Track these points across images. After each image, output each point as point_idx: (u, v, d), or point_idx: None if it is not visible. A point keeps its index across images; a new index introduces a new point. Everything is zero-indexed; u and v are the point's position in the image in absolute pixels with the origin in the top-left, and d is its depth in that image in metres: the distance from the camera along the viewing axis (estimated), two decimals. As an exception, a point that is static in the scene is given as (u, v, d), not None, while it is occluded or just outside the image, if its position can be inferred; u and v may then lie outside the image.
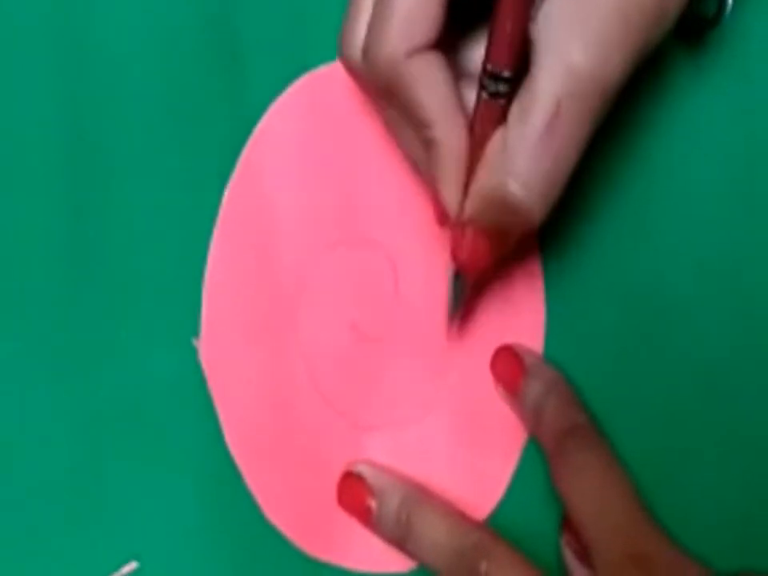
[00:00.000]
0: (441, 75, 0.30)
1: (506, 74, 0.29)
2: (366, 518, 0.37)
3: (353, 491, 0.37)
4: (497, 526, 0.37)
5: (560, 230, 0.37)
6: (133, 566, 0.38)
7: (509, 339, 0.38)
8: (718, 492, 0.37)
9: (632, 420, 0.38)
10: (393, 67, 0.30)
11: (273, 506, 0.38)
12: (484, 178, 0.31)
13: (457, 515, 0.37)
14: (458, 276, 0.35)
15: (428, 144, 0.31)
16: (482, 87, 0.30)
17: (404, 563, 0.38)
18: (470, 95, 0.32)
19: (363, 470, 0.37)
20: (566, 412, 0.36)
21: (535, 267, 0.38)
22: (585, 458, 0.35)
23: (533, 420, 0.37)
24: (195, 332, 0.38)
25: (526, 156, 0.29)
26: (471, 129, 0.31)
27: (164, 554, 0.38)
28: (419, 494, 0.37)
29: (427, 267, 0.38)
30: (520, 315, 0.38)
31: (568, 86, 0.29)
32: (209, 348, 0.38)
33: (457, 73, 0.32)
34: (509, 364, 0.37)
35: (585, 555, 0.36)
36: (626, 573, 0.33)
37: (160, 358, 0.38)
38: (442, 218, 0.34)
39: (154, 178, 0.38)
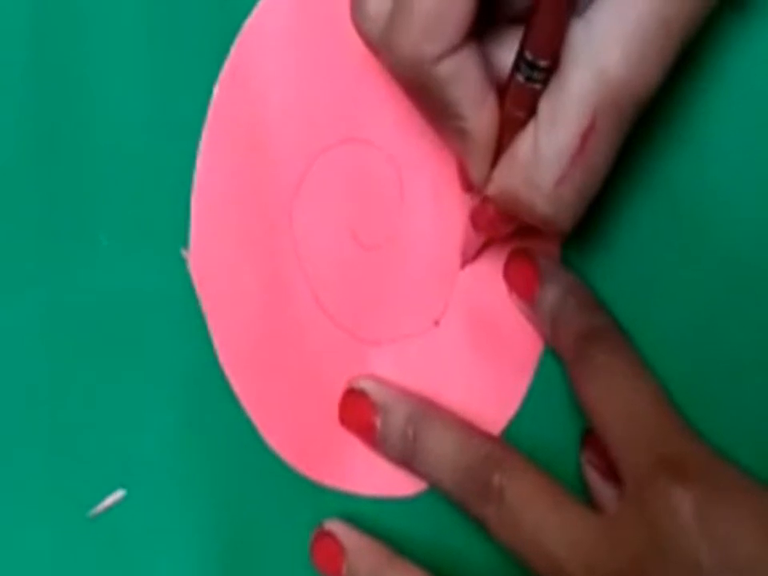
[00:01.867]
0: (471, 73, 0.29)
1: (543, 63, 0.28)
2: (370, 436, 0.34)
3: (355, 408, 0.35)
4: (511, 442, 0.34)
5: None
6: (119, 494, 0.35)
7: (522, 243, 0.35)
8: (756, 400, 0.34)
9: (657, 330, 0.35)
10: (419, 69, 0.29)
11: (270, 428, 0.36)
12: (512, 177, 0.30)
13: (467, 428, 0.34)
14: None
15: (458, 130, 0.30)
16: (516, 70, 0.29)
17: (411, 485, 0.35)
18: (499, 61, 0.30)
19: (366, 385, 0.35)
20: (585, 314, 0.34)
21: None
22: (608, 360, 0.32)
23: (550, 328, 0.34)
24: (184, 242, 0.36)
25: (557, 168, 0.29)
26: (501, 108, 0.30)
27: (153, 481, 0.36)
28: (427, 409, 0.34)
29: (434, 171, 0.36)
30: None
31: (605, 95, 0.28)
32: (199, 258, 0.36)
33: (485, 51, 0.30)
34: (523, 269, 0.35)
35: (609, 472, 0.33)
36: (658, 481, 0.30)
37: (146, 269, 0.36)
38: (466, 187, 0.34)
39: (141, 78, 0.36)
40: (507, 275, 0.35)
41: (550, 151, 0.28)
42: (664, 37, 0.28)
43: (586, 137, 0.28)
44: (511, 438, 0.35)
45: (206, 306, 0.36)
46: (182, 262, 0.36)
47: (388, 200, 0.36)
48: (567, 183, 0.29)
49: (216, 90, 0.36)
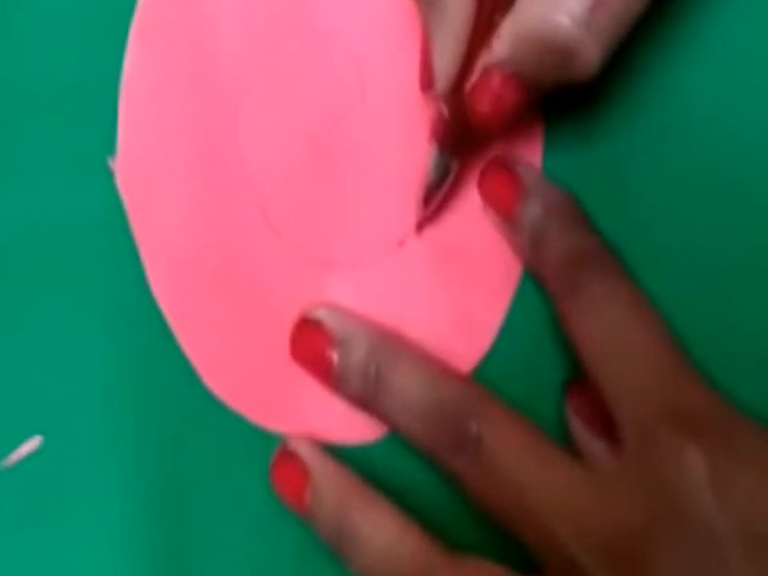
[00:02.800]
0: None
1: None
2: (327, 372, 0.30)
3: (309, 340, 0.30)
4: (484, 383, 0.31)
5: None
6: (36, 441, 0.30)
7: (499, 149, 0.31)
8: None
9: (654, 255, 0.31)
10: None
11: (209, 366, 0.31)
12: (524, 10, 0.26)
13: (437, 365, 0.30)
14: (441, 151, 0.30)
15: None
16: None
17: (372, 430, 0.31)
18: None
19: (322, 314, 0.30)
20: (572, 234, 0.30)
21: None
22: (601, 289, 0.28)
23: (530, 249, 0.30)
24: (111, 150, 0.31)
25: None
26: None
27: (76, 427, 0.31)
28: (391, 341, 0.30)
29: (401, 72, 0.31)
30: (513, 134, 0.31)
31: None
32: (127, 169, 0.31)
33: None
34: (499, 179, 0.30)
35: (598, 422, 0.29)
36: (662, 434, 0.26)
37: (67, 182, 0.31)
38: (426, 84, 0.28)
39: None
40: (482, 186, 0.31)
41: None
42: None
43: None
44: (483, 378, 0.31)
45: (135, 226, 0.31)
46: (110, 174, 0.31)
47: (347, 103, 0.32)
48: (604, 7, 0.25)
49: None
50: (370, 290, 0.31)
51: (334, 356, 0.30)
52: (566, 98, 0.30)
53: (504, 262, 0.31)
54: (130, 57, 0.31)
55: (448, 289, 0.31)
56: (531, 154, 0.31)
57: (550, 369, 0.31)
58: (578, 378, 0.30)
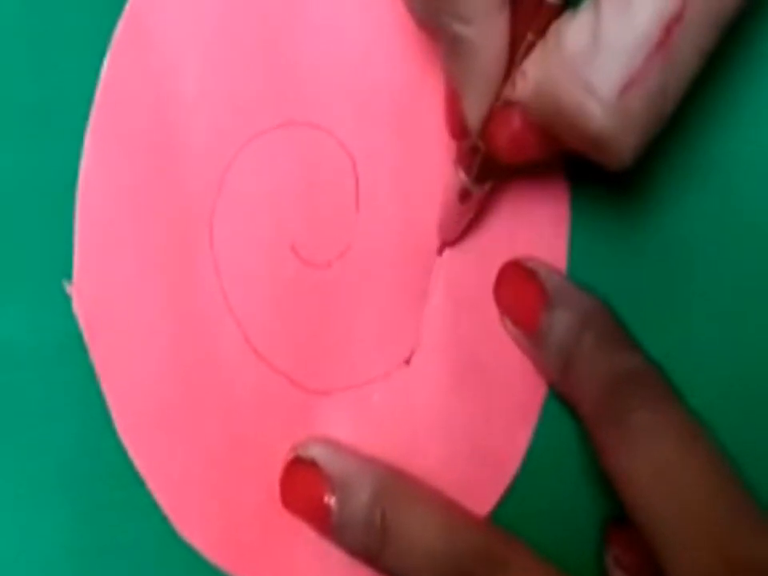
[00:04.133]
0: None
1: None
2: (323, 521, 0.26)
3: (303, 484, 0.26)
4: (506, 522, 0.27)
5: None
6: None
7: (520, 252, 0.27)
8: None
9: (692, 360, 0.27)
10: None
11: (185, 516, 0.27)
12: (556, 72, 0.22)
13: (454, 510, 0.26)
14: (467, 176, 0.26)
15: (457, 41, 0.23)
16: None
17: (379, 589, 0.27)
18: None
19: (317, 452, 0.26)
20: (611, 352, 0.26)
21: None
22: (649, 419, 0.25)
23: (559, 369, 0.26)
24: (68, 273, 0.27)
25: (626, 66, 0.21)
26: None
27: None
28: (399, 483, 0.27)
29: (398, 165, 0.28)
30: (536, 220, 0.27)
31: None
32: (86, 294, 0.27)
33: None
34: (519, 287, 0.27)
35: (642, 572, 0.26)
36: None
37: (17, 313, 0.27)
38: (458, 132, 0.26)
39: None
40: (498, 295, 0.28)
41: (619, 42, 0.21)
42: None
43: (670, 27, 0.21)
44: (504, 517, 0.27)
45: (96, 357, 0.27)
46: (67, 298, 0.27)
47: (339, 202, 0.27)
48: (637, 89, 0.21)
49: (106, 61, 0.27)
50: (371, 419, 0.27)
51: (332, 502, 0.26)
52: (593, 183, 0.27)
53: (527, 378, 0.27)
54: (87, 159, 0.27)
55: (462, 412, 0.27)
56: (555, 256, 0.27)
57: (583, 506, 0.27)
58: (618, 518, 0.26)
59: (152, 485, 0.26)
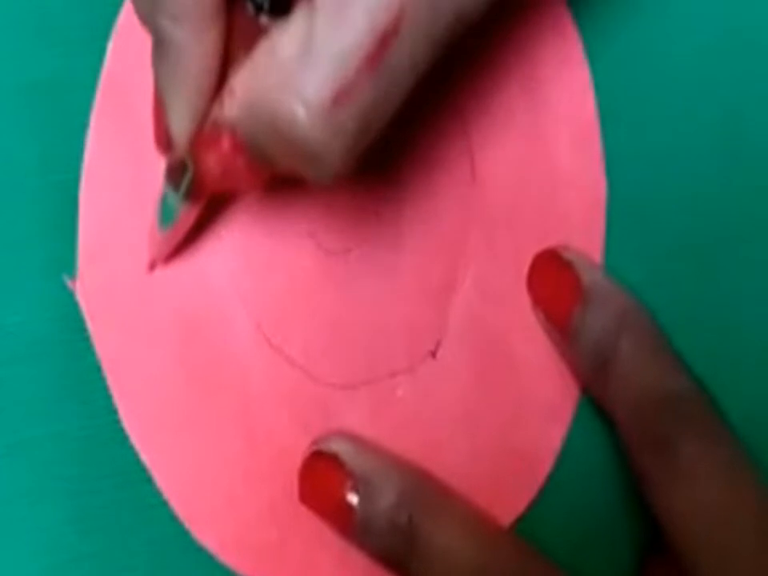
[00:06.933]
0: None
1: None
2: (345, 522, 0.24)
3: (323, 480, 0.25)
4: (532, 537, 0.25)
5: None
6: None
7: (551, 240, 0.26)
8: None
9: (733, 370, 0.26)
10: None
11: (199, 517, 0.25)
12: (267, 82, 0.20)
13: (485, 520, 0.25)
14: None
15: (166, 42, 0.22)
16: None
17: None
18: None
19: (339, 446, 0.25)
20: (655, 368, 0.25)
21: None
22: (697, 450, 0.24)
23: (593, 369, 0.25)
24: (70, 268, 0.25)
25: (338, 75, 0.20)
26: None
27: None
28: (428, 485, 0.25)
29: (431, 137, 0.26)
30: (569, 211, 0.26)
31: None
32: (90, 286, 0.25)
33: None
34: (552, 278, 0.26)
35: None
36: None
37: (21, 307, 0.25)
38: (162, 143, 0.23)
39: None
40: (531, 285, 0.26)
41: (331, 52, 0.20)
42: None
43: (384, 39, 0.20)
44: (537, 522, 0.26)
45: (102, 352, 0.25)
46: (68, 293, 0.25)
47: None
48: (349, 100, 0.20)
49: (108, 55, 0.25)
50: (394, 415, 0.26)
51: (355, 500, 0.24)
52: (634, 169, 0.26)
53: (561, 374, 0.26)
54: (89, 154, 0.25)
55: (490, 409, 0.26)
56: (590, 248, 0.26)
57: (619, 515, 0.26)
58: (656, 544, 0.25)
59: (162, 484, 0.25)
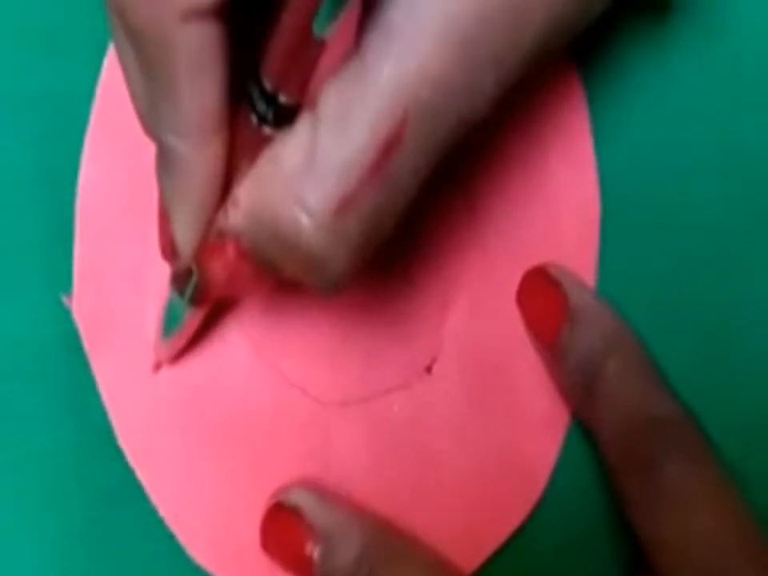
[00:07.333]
0: (219, 66, 0.20)
1: (283, 98, 0.20)
2: (305, 573, 0.25)
3: (285, 534, 0.25)
4: (529, 551, 0.25)
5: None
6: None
7: (544, 258, 0.25)
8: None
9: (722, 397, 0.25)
10: (154, 20, 0.19)
11: (193, 535, 0.26)
12: (271, 191, 0.21)
13: (446, 564, 0.25)
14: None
15: (170, 154, 0.21)
16: (249, 103, 0.21)
17: None
18: None
19: (300, 499, 0.25)
20: (638, 387, 0.24)
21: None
22: (684, 480, 0.23)
23: (579, 391, 0.25)
24: (68, 284, 0.26)
25: (341, 185, 0.20)
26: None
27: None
28: (388, 537, 0.25)
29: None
30: (564, 230, 0.25)
31: (419, 95, 0.19)
32: (86, 303, 0.26)
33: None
34: (542, 296, 0.25)
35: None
36: None
37: (17, 322, 0.26)
38: (168, 252, 0.23)
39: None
40: (521, 304, 0.26)
41: (334, 160, 0.20)
42: (508, 30, 0.19)
43: (388, 147, 0.19)
44: (536, 534, 0.25)
45: (98, 370, 0.26)
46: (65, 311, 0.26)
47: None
48: (353, 209, 0.20)
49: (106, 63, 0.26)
50: (390, 431, 0.26)
51: (316, 555, 0.24)
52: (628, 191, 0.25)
53: (555, 389, 0.25)
54: (85, 168, 0.26)
55: (486, 424, 0.26)
56: (583, 269, 0.25)
57: (614, 525, 0.25)
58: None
59: (158, 502, 0.26)
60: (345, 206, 0.20)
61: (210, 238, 0.22)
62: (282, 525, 0.25)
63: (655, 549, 0.23)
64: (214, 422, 0.26)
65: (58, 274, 0.26)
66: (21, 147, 0.26)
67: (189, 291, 0.23)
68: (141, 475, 0.26)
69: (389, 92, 0.19)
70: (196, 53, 0.19)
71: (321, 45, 0.20)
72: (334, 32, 0.20)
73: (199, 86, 0.20)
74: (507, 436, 0.25)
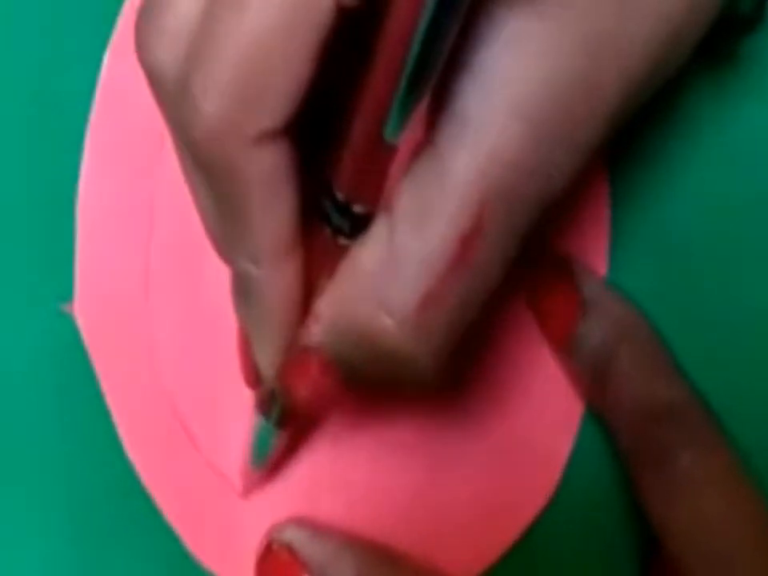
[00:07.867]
0: (290, 189, 0.20)
1: (358, 207, 0.20)
2: None
3: (279, 570, 0.25)
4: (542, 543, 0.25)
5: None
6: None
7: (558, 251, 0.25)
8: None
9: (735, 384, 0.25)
10: (225, 152, 0.19)
11: (199, 537, 0.26)
12: (342, 296, 0.20)
13: None
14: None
15: (247, 280, 0.21)
16: (323, 216, 0.20)
17: None
18: None
19: (292, 536, 0.25)
20: (652, 377, 0.24)
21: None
22: (693, 461, 0.23)
23: (592, 382, 0.24)
24: (66, 287, 0.26)
25: (422, 283, 0.19)
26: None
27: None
28: (382, 557, 0.25)
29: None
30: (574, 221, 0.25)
31: (496, 184, 0.19)
32: (89, 305, 0.26)
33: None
34: (553, 288, 0.25)
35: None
36: None
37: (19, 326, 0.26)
38: (251, 379, 0.24)
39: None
40: (530, 297, 0.25)
41: (415, 257, 0.19)
42: (581, 104, 0.19)
43: (468, 240, 0.19)
44: (549, 529, 0.25)
45: (101, 372, 0.26)
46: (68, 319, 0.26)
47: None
48: (435, 305, 0.19)
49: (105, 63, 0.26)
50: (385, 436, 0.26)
51: None
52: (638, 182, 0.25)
53: (565, 388, 0.25)
54: (86, 168, 0.26)
55: (503, 417, 0.25)
56: (594, 259, 0.25)
57: (626, 520, 0.25)
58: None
59: (162, 503, 0.26)
60: (427, 302, 0.19)
61: (292, 357, 0.21)
62: (275, 564, 0.25)
63: (666, 534, 0.23)
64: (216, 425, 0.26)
65: (59, 274, 0.26)
66: (20, 147, 0.26)
67: (275, 414, 0.23)
68: (143, 476, 0.26)
69: (467, 181, 0.18)
70: (268, 179, 0.19)
71: (392, 150, 0.19)
72: (404, 134, 0.19)
73: (272, 213, 0.19)
74: (521, 429, 0.25)
